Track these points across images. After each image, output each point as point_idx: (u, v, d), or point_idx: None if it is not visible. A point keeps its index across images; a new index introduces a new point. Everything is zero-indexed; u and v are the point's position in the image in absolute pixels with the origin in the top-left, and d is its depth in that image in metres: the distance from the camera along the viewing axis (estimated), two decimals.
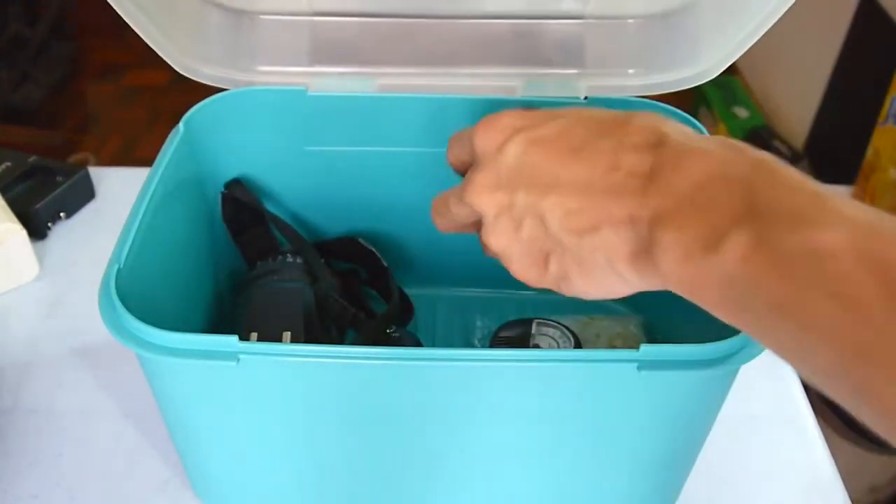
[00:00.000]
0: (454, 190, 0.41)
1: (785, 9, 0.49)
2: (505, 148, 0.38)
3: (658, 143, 0.34)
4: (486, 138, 0.39)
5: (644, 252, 0.33)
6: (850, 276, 0.26)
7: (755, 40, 0.51)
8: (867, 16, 1.58)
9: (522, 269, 0.39)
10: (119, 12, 0.49)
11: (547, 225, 0.36)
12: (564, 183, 0.35)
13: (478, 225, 0.41)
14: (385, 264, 0.59)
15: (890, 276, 0.25)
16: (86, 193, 0.75)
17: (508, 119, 0.39)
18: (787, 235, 0.28)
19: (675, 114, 0.56)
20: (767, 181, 0.30)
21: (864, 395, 0.26)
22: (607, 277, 0.36)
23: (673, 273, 0.32)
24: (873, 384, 0.26)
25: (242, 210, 0.59)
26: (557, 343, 0.53)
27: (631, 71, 0.57)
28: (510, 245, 0.39)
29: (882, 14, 1.52)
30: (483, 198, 0.38)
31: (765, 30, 0.50)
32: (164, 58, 0.52)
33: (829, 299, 0.26)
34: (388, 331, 0.54)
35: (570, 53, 0.57)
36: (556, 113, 0.38)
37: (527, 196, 0.37)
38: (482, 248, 0.42)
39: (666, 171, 0.33)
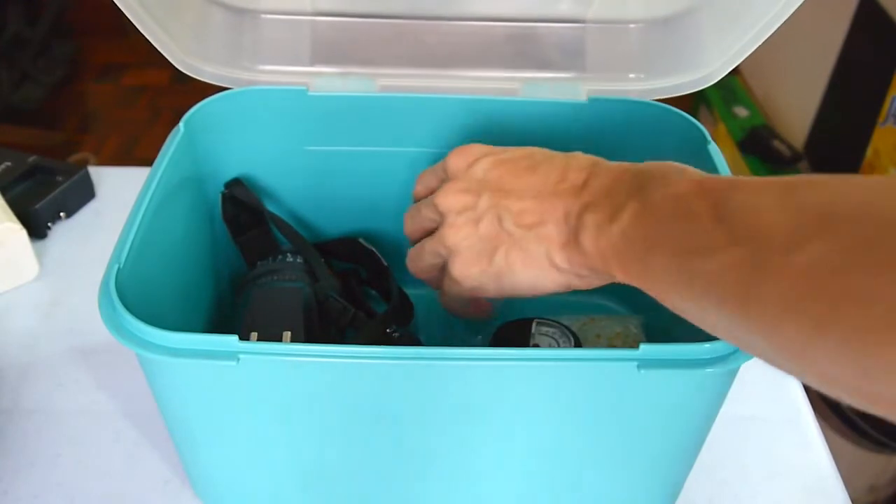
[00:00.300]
0: (426, 199, 0.48)
1: (786, 16, 0.49)
2: (475, 165, 0.46)
3: (594, 165, 0.44)
4: (459, 160, 0.47)
5: (573, 239, 0.42)
6: (691, 204, 0.36)
7: (756, 46, 0.51)
8: (867, 16, 1.58)
9: (469, 261, 0.45)
10: (123, 11, 0.49)
11: (502, 221, 0.44)
12: (522, 189, 0.44)
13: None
14: (385, 264, 0.59)
15: (714, 198, 0.35)
16: (86, 193, 0.75)
17: (478, 147, 0.47)
18: (657, 192, 0.38)
19: (675, 114, 0.56)
20: (654, 168, 0.40)
21: (697, 282, 0.34)
22: (544, 268, 0.44)
23: (591, 248, 0.40)
24: (702, 270, 0.34)
25: (243, 210, 0.59)
26: (557, 342, 0.53)
27: (632, 75, 0.57)
28: (465, 238, 0.45)
29: (882, 14, 1.52)
30: (452, 198, 0.46)
31: (766, 36, 0.51)
32: (167, 56, 0.52)
33: (678, 223, 0.36)
34: (388, 331, 0.54)
35: (571, 57, 0.57)
36: (517, 147, 0.47)
37: (490, 198, 0.45)
38: (426, 254, 0.48)
39: (595, 178, 0.43)
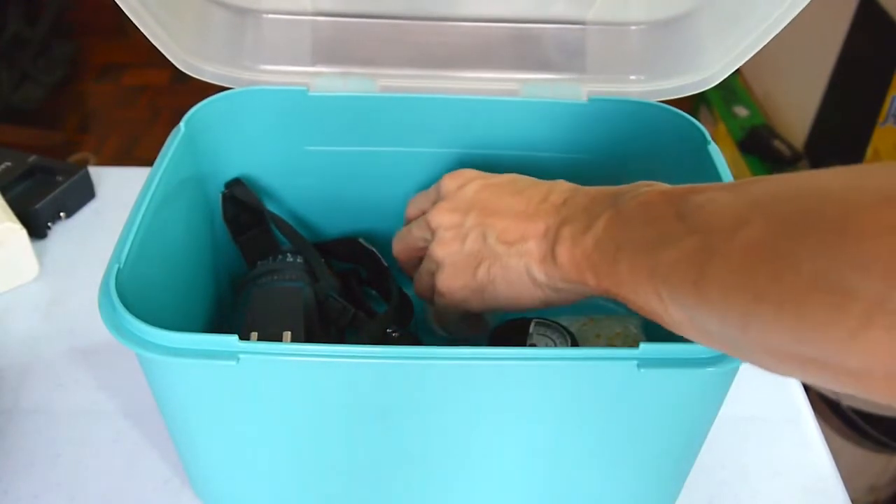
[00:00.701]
0: (418, 219, 0.51)
1: (787, 20, 0.49)
2: (465, 187, 0.49)
3: (575, 189, 0.46)
4: (451, 182, 0.50)
5: (550, 252, 0.44)
6: (656, 208, 0.39)
7: (757, 50, 0.51)
8: (867, 16, 1.58)
9: (453, 275, 0.48)
10: (124, 10, 0.49)
11: (486, 238, 0.47)
12: (506, 210, 0.47)
13: (425, 251, 0.50)
14: (385, 264, 0.59)
15: (676, 201, 0.38)
16: (86, 193, 0.75)
17: (470, 172, 0.50)
18: (628, 202, 0.41)
19: (675, 114, 0.56)
20: (627, 186, 0.43)
21: (658, 273, 0.36)
22: (524, 283, 0.46)
23: (566, 259, 0.43)
24: (662, 261, 0.36)
25: (243, 210, 0.59)
26: (555, 343, 0.53)
27: (632, 77, 0.57)
28: (452, 254, 0.48)
29: (882, 14, 1.52)
30: (443, 216, 0.48)
31: (767, 40, 0.51)
32: (167, 56, 0.52)
33: (644, 225, 0.39)
34: (387, 330, 0.54)
35: (572, 58, 0.57)
36: (504, 174, 0.50)
37: (476, 217, 0.47)
38: (423, 274, 0.51)
39: (574, 198, 0.45)
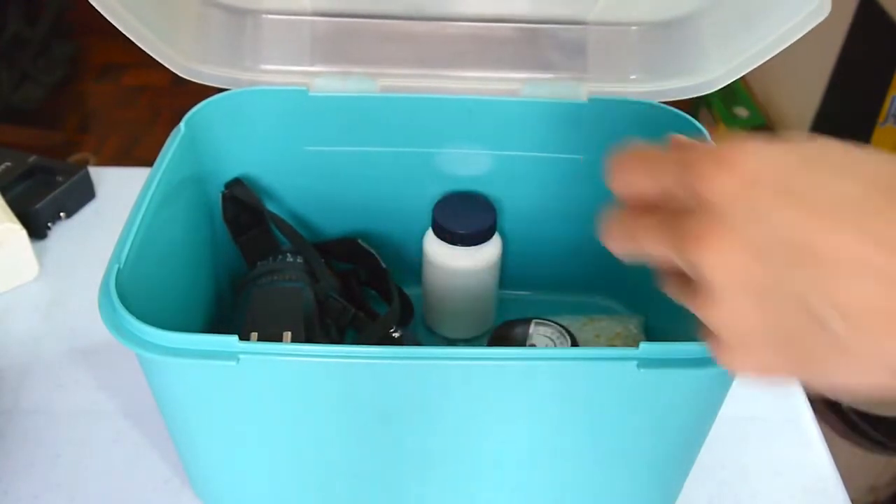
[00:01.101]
0: (660, 228, 0.30)
1: (796, 37, 0.49)
2: (767, 209, 0.27)
3: None
4: (729, 183, 0.28)
5: None
6: None
7: (764, 60, 0.51)
8: (867, 16, 1.57)
9: (751, 354, 0.30)
10: (122, 30, 0.48)
11: (816, 312, 0.27)
12: (863, 268, 0.26)
13: (678, 272, 0.31)
14: (384, 266, 0.59)
15: None
16: (86, 193, 0.75)
17: (763, 166, 0.28)
18: None
19: (675, 115, 0.56)
20: None
21: None
22: (883, 378, 0.28)
23: None
24: None
25: (243, 210, 0.59)
26: (554, 342, 0.53)
27: (633, 77, 0.57)
28: (744, 322, 0.29)
29: (882, 14, 1.52)
30: (723, 259, 0.28)
31: (774, 52, 0.50)
32: (164, 63, 0.52)
33: None
34: (388, 330, 0.54)
35: (573, 58, 0.57)
36: (826, 165, 0.28)
37: (791, 266, 0.27)
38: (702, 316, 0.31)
39: None
